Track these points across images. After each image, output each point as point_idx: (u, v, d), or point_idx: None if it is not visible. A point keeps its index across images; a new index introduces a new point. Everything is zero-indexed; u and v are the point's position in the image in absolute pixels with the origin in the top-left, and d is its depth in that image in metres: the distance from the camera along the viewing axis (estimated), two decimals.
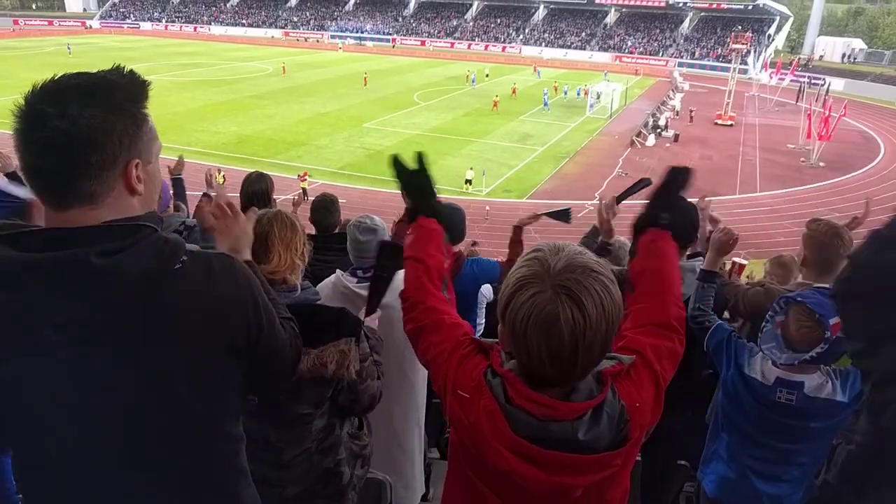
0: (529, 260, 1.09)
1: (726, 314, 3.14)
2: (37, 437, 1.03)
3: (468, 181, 21.03)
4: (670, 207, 1.49)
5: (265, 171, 3.86)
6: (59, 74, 1.03)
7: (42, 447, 1.03)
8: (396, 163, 1.55)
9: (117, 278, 0.99)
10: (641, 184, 2.94)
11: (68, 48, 48.75)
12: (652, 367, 1.21)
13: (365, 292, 2.26)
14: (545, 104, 34.73)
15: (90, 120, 0.98)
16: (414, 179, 1.54)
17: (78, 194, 1.01)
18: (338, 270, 2.38)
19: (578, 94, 37.89)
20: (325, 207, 3.55)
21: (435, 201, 1.54)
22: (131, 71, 1.07)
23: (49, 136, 0.96)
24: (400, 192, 1.56)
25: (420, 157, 1.53)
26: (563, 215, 3.23)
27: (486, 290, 3.55)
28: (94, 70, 1.06)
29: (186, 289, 1.06)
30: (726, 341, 2.28)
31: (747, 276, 5.06)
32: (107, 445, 1.05)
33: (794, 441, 2.15)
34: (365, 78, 40.32)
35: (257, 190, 3.54)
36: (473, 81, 41.39)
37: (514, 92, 37.76)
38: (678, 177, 1.53)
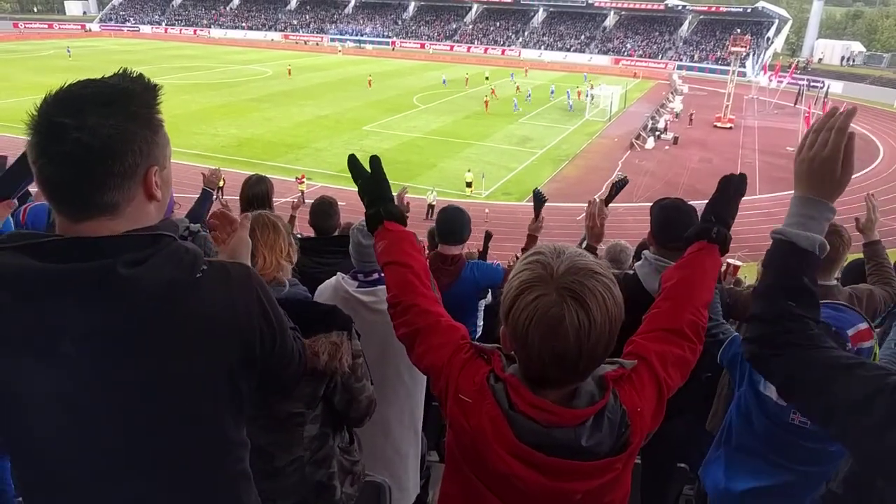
0: (531, 263, 1.08)
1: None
2: (46, 444, 1.02)
3: (468, 184, 21.05)
4: (724, 220, 1.48)
5: (265, 174, 3.88)
6: (70, 82, 1.01)
7: (49, 455, 1.02)
8: (353, 163, 1.56)
9: (143, 288, 0.98)
10: (622, 182, 2.90)
11: (68, 51, 48.76)
12: (655, 373, 1.20)
13: (365, 297, 2.25)
14: (515, 106, 34.82)
15: (111, 130, 0.96)
16: (370, 184, 1.53)
17: (99, 205, 0.99)
18: (338, 273, 2.36)
19: (569, 95, 37.84)
20: (323, 210, 3.56)
21: (393, 205, 1.53)
22: (140, 75, 1.06)
23: (70, 149, 0.94)
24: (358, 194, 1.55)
25: (374, 161, 1.53)
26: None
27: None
28: (97, 74, 1.05)
29: (207, 298, 1.06)
30: (742, 356, 2.10)
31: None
32: (109, 446, 1.04)
33: (815, 464, 2.00)
34: (370, 80, 40.38)
35: (257, 192, 3.55)
36: (445, 81, 41.84)
37: (493, 93, 37.52)
38: (731, 186, 1.52)
